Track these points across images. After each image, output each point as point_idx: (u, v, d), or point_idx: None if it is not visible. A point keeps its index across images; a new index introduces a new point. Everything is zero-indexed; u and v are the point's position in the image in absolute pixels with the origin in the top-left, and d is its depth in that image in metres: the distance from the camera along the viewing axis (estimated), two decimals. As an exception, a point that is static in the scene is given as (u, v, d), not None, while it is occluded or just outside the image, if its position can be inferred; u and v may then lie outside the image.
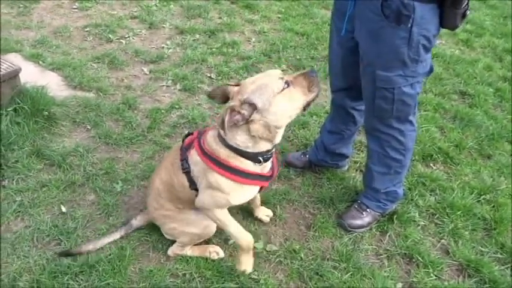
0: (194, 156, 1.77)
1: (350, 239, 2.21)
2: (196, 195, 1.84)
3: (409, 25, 1.76)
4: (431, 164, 2.72)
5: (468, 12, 1.79)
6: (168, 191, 1.92)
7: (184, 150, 1.81)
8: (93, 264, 1.93)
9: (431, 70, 1.96)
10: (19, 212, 2.16)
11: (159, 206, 1.97)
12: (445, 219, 2.34)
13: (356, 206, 2.30)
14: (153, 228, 2.12)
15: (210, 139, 1.73)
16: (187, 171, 1.79)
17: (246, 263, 1.96)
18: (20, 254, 1.96)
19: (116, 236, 2.07)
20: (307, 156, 2.58)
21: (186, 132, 1.96)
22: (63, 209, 2.20)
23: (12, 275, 1.86)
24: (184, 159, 1.79)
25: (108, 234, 2.07)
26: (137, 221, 2.10)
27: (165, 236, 2.05)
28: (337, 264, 2.07)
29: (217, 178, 1.72)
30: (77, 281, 1.88)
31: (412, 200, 2.43)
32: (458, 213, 2.36)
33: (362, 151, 2.75)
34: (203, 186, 1.79)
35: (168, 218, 1.97)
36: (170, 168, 1.89)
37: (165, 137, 2.74)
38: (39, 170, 2.40)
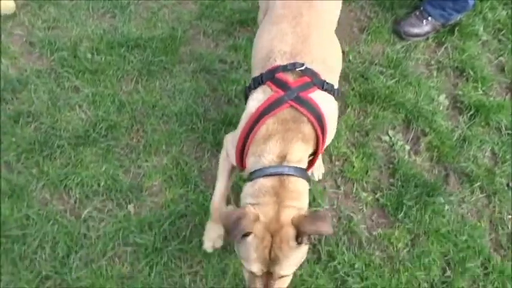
0: None
1: (403, 46, 2.14)
2: None
3: None
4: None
5: None
6: None
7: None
8: (147, 41, 2.00)
9: None
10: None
11: None
12: (510, 36, 2.18)
13: (417, 13, 2.15)
14: (202, 14, 2.10)
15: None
16: None
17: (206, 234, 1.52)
18: (78, 22, 2.03)
19: None
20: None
21: None
22: (115, -17, 2.17)
23: (74, 40, 1.96)
24: None
25: None
26: None
27: None
28: (384, 70, 2.06)
29: None
30: (133, 54, 1.97)
31: (480, 12, 2.24)
32: (529, 30, 2.19)
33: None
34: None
35: None
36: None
37: None
38: None
